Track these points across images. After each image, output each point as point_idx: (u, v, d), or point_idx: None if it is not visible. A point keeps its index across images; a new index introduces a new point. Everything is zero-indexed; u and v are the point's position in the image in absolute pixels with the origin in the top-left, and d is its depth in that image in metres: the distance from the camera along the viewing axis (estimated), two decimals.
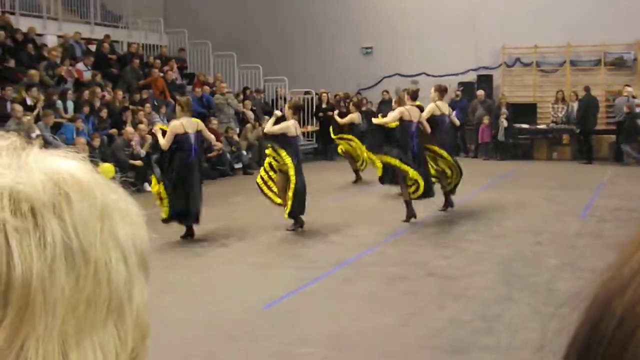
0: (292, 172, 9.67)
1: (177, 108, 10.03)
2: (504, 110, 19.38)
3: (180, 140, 9.35)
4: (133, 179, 14.70)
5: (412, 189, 10.51)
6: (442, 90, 11.96)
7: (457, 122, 12.01)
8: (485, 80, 21.36)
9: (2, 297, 0.58)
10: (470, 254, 8.65)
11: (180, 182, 9.39)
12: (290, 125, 9.97)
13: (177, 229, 10.20)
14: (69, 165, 0.64)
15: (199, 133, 9.64)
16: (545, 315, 6.30)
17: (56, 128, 14.27)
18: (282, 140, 9.86)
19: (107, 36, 19.29)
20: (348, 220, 10.87)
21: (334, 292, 7.18)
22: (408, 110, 10.89)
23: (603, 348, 0.50)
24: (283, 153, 9.76)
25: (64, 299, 0.59)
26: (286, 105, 10.78)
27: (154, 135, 9.93)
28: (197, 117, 18.03)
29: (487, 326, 6.05)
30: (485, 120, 19.58)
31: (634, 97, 18.88)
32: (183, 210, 9.39)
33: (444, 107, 11.72)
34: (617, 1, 19.69)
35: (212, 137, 10.23)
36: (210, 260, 8.57)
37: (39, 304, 0.58)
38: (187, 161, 9.40)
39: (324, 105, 20.52)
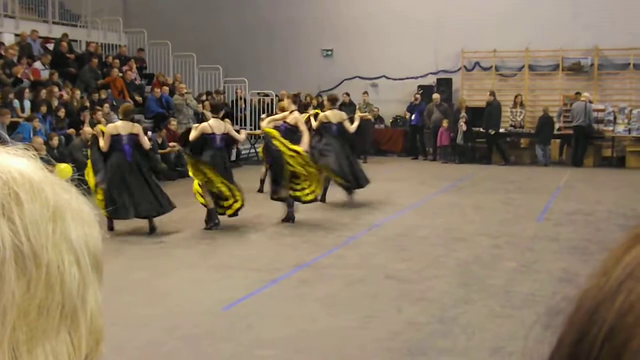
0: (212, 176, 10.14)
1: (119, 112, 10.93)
2: (463, 114, 19.54)
3: (115, 141, 10.10)
4: None
5: (308, 191, 10.90)
6: (332, 100, 12.99)
7: (351, 129, 12.49)
8: (444, 84, 21.54)
9: None
10: (429, 257, 8.70)
11: (116, 179, 9.95)
12: (206, 125, 10.52)
13: (137, 228, 10.10)
14: (18, 163, 0.61)
15: (133, 136, 10.26)
16: (502, 317, 6.36)
17: (13, 127, 13.99)
18: (201, 144, 10.35)
19: (65, 35, 19.01)
20: (307, 222, 10.85)
21: (293, 294, 7.16)
22: (326, 115, 12.37)
23: (593, 356, 0.48)
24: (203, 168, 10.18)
25: (15, 305, 0.57)
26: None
27: (94, 136, 10.58)
28: (156, 118, 18.09)
29: (444, 329, 6.08)
30: (444, 123, 19.74)
31: (590, 102, 19.22)
32: (120, 207, 9.70)
33: (333, 116, 12.49)
34: (575, 7, 20.04)
35: (146, 142, 10.64)
36: (169, 262, 8.48)
37: None
38: (122, 160, 10.06)
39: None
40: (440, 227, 10.47)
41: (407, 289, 7.32)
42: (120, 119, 10.59)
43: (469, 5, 20.92)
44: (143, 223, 10.15)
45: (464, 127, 19.43)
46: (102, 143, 10.13)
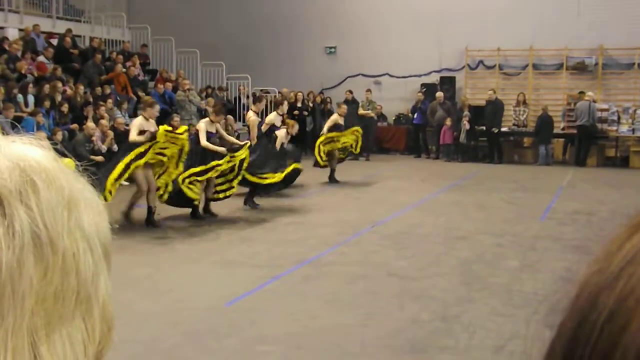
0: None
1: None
2: (466, 112, 19.52)
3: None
4: (94, 175, 14.50)
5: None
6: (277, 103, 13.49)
7: (292, 132, 13.07)
8: (448, 82, 21.51)
9: None
10: (431, 255, 8.70)
11: None
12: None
13: (134, 227, 10.12)
14: (34, 152, 0.62)
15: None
16: (504, 316, 6.36)
17: (16, 122, 14.01)
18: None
19: (69, 30, 19.01)
20: (310, 219, 10.86)
21: (295, 290, 7.16)
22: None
23: (592, 344, 0.48)
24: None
25: (33, 291, 0.57)
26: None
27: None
28: (159, 114, 18.09)
29: (446, 327, 6.08)
30: (448, 122, 19.72)
31: (594, 101, 19.18)
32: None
33: (276, 119, 12.93)
34: (580, 6, 20.00)
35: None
36: (173, 257, 8.49)
37: (8, 296, 0.56)
38: None
39: (299, 104, 20.46)
40: (442, 226, 10.46)
41: (409, 286, 7.33)
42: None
43: (472, 3, 20.88)
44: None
45: (467, 126, 19.42)
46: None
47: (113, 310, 0.67)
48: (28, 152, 0.62)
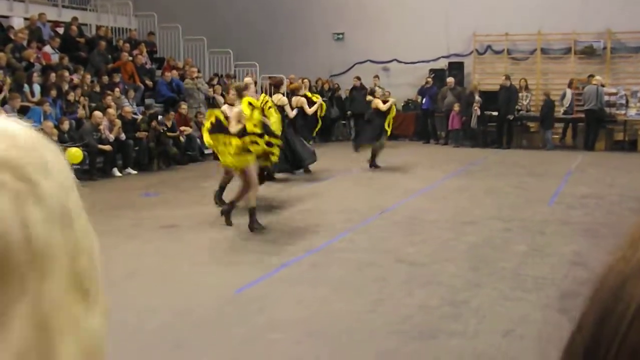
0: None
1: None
2: (477, 97, 19.43)
3: None
4: (102, 164, 14.55)
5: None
6: (277, 85, 13.61)
7: (290, 114, 13.35)
8: (456, 68, 21.41)
9: (27, 259, 0.56)
10: (440, 240, 8.69)
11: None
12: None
13: (151, 215, 10.14)
14: (25, 130, 0.63)
15: None
16: (513, 300, 6.36)
17: (23, 112, 14.03)
18: None
19: (75, 19, 19.00)
20: (318, 206, 10.86)
21: (304, 278, 7.18)
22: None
23: (619, 338, 0.45)
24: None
25: (60, 262, 0.59)
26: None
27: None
28: (167, 102, 18.07)
29: (455, 312, 6.09)
30: (456, 107, 19.65)
31: (602, 85, 19.08)
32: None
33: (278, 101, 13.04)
34: None
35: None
36: (179, 246, 8.51)
37: (45, 263, 0.57)
38: None
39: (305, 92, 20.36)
40: (450, 211, 10.45)
41: (417, 272, 7.33)
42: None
43: None
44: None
45: (478, 112, 19.34)
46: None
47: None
48: (22, 129, 0.63)
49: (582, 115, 19.09)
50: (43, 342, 0.56)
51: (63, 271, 0.58)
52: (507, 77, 19.58)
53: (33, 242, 0.56)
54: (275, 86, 13.43)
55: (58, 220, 0.59)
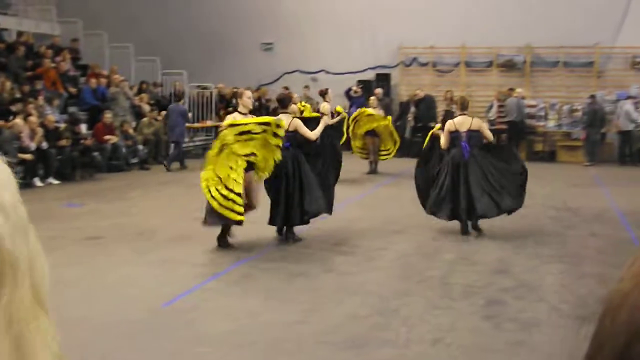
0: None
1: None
2: (412, 108, 19.77)
3: (453, 137, 9.78)
4: (22, 174, 14.11)
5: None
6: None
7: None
8: (383, 79, 21.71)
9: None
10: (369, 250, 8.75)
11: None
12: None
13: (74, 226, 9.88)
14: None
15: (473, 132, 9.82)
16: (442, 309, 6.45)
17: None
18: None
19: None
20: (250, 218, 10.77)
21: (233, 289, 7.11)
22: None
23: None
24: None
25: (23, 273, 0.59)
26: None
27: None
28: (91, 110, 17.67)
29: (385, 321, 6.13)
30: None
31: (523, 98, 19.67)
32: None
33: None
34: (509, 6, 20.49)
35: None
36: (107, 258, 8.30)
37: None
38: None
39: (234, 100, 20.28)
40: (379, 220, 10.54)
41: (346, 281, 7.36)
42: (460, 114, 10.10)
43: (402, 1, 21.15)
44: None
45: (412, 123, 19.66)
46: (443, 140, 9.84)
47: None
48: None
49: (504, 127, 19.60)
50: (20, 354, 0.55)
51: (26, 282, 0.57)
52: (421, 90, 19.95)
53: (4, 253, 0.55)
54: (321, 95, 13.95)
55: (21, 231, 0.58)
